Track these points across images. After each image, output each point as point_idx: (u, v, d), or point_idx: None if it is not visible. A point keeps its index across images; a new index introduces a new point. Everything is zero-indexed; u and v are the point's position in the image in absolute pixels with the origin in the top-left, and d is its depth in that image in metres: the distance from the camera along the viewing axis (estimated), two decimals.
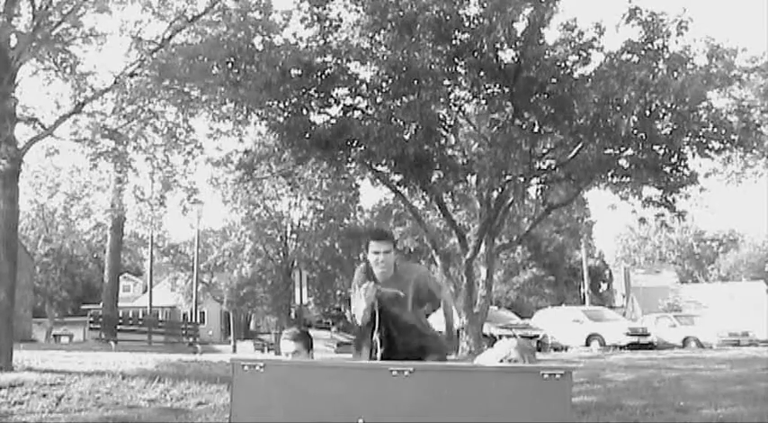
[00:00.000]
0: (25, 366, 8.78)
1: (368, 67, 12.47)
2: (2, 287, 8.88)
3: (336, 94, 12.77)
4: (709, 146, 12.65)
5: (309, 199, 26.68)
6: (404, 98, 12.04)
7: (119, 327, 24.11)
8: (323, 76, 12.27)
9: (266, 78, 10.97)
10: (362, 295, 3.77)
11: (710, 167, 14.49)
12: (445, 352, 4.06)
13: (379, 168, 13.81)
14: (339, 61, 12.26)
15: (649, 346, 19.18)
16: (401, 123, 12.05)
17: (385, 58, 11.85)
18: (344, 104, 12.86)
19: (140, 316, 34.57)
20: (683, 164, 12.66)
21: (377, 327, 3.78)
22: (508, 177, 13.01)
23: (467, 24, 11.86)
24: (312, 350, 3.58)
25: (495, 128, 13.07)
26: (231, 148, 16.80)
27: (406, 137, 11.86)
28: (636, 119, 11.13)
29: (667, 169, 12.70)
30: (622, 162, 13.25)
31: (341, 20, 12.08)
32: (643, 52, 11.76)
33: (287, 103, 12.58)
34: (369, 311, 3.78)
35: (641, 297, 35.05)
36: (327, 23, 12.05)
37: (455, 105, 13.35)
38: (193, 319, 28.72)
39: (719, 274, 53.88)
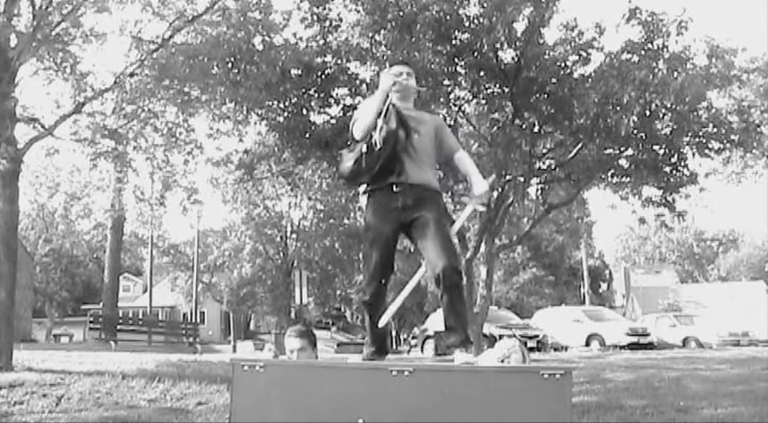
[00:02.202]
0: (25, 366, 8.78)
1: (368, 67, 12.46)
2: (2, 287, 8.89)
3: (336, 94, 12.75)
4: (709, 146, 12.63)
5: (309, 199, 26.67)
6: None
7: (119, 327, 24.11)
8: (323, 76, 12.26)
9: (266, 78, 10.95)
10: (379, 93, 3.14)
11: (710, 167, 14.50)
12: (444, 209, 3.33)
13: None
14: (339, 61, 12.25)
15: (649, 346, 19.20)
16: None
17: (385, 58, 11.83)
18: (344, 104, 12.84)
19: (140, 316, 34.56)
20: (683, 164, 12.65)
21: (384, 115, 3.10)
22: (508, 177, 13.01)
23: (467, 24, 11.84)
24: (316, 348, 3.61)
25: (495, 128, 13.06)
26: (231, 148, 16.79)
27: None
28: (636, 119, 11.11)
29: (667, 169, 12.69)
30: (622, 162, 13.24)
31: (341, 20, 12.07)
32: (643, 52, 11.74)
33: (287, 103, 12.57)
34: (381, 105, 3.08)
35: (641, 297, 35.04)
36: (327, 23, 12.03)
37: (455, 105, 13.35)
38: (193, 319, 28.76)
39: (719, 274, 53.86)
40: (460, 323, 3.01)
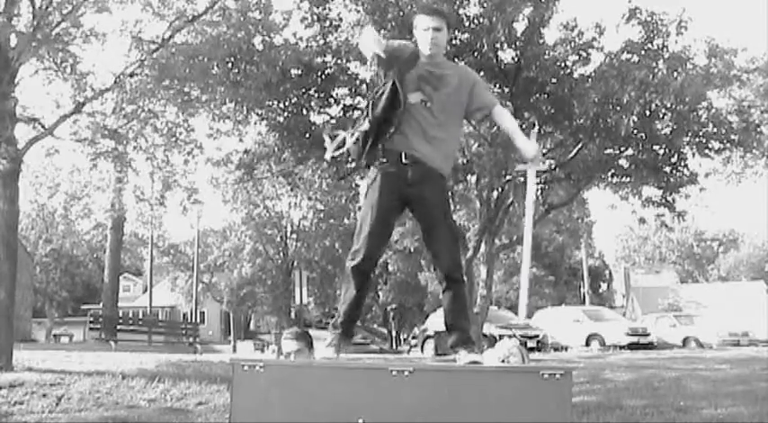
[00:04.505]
0: (25, 366, 8.78)
1: (368, 67, 12.47)
2: (2, 287, 8.89)
3: (336, 94, 12.77)
4: (709, 146, 12.64)
5: (309, 199, 26.68)
6: None
7: (119, 327, 24.09)
8: (323, 76, 12.27)
9: (266, 78, 10.96)
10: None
11: (710, 167, 14.49)
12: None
13: None
14: (339, 61, 12.25)
15: (649, 346, 19.20)
16: None
17: None
18: (344, 104, 12.86)
19: (140, 316, 34.55)
20: (683, 164, 12.66)
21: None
22: (508, 177, 13.01)
23: (467, 24, 11.84)
24: (314, 349, 3.59)
25: (496, 128, 13.07)
26: (231, 148, 16.80)
27: None
28: (636, 119, 11.11)
29: (667, 169, 12.69)
30: (622, 162, 13.24)
31: (341, 20, 12.07)
32: (643, 52, 11.74)
33: (287, 103, 12.58)
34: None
35: (641, 297, 35.01)
36: (327, 23, 12.04)
37: None
38: (193, 319, 28.73)
39: (719, 274, 53.79)
40: (463, 322, 2.98)
